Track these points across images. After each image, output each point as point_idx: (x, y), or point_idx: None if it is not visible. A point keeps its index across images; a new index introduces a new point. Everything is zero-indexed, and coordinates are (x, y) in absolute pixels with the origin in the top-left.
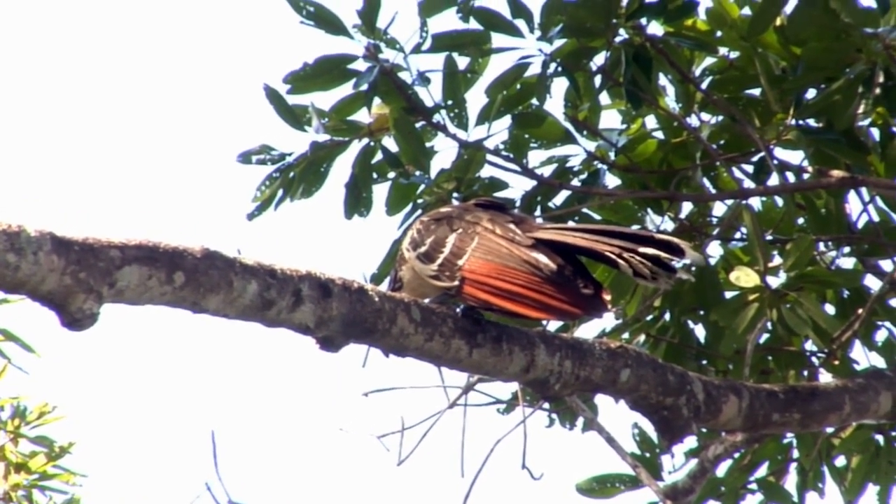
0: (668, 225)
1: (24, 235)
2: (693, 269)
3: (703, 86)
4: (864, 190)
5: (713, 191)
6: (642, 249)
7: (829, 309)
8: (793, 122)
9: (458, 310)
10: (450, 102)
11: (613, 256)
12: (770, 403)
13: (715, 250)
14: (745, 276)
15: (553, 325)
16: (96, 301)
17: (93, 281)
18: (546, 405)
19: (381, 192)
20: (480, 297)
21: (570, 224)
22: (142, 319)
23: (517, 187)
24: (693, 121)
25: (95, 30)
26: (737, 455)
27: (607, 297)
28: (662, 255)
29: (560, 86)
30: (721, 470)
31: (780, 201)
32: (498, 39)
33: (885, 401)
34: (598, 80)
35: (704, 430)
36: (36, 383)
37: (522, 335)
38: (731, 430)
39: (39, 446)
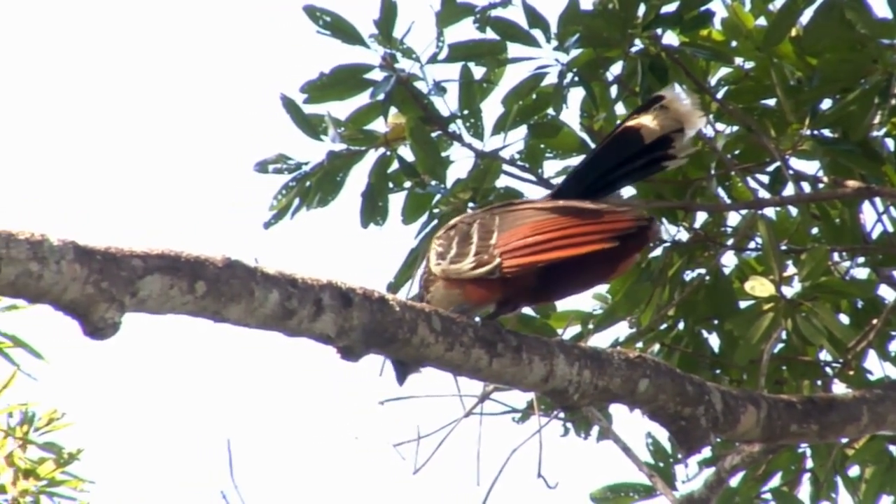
0: (683, 235)
1: (46, 244)
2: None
3: (719, 96)
4: (878, 200)
5: (728, 201)
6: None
7: (844, 319)
8: (808, 132)
9: (477, 320)
10: (466, 112)
11: (633, 123)
12: (788, 414)
13: (730, 260)
14: (759, 286)
15: (570, 333)
16: (118, 310)
17: (115, 290)
18: (561, 414)
19: (397, 201)
20: (527, 262)
21: None
22: (156, 326)
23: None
24: (708, 131)
25: (112, 37)
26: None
27: (644, 212)
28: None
29: (576, 96)
30: (734, 480)
31: (794, 211)
32: (514, 49)
33: None
34: (614, 89)
35: (721, 440)
36: (44, 389)
37: (542, 345)
38: (749, 440)
39: (48, 452)
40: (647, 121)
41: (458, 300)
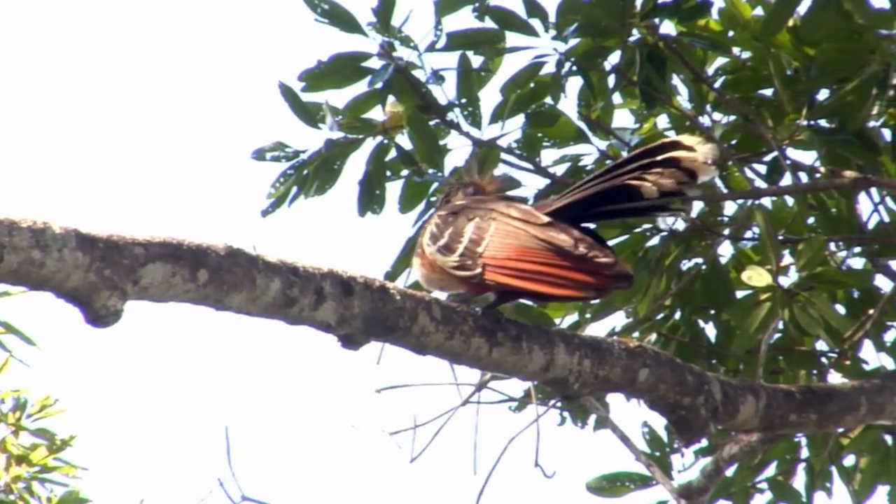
0: (680, 224)
1: (49, 232)
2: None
3: (716, 85)
4: (874, 190)
5: (725, 190)
6: (659, 158)
7: (840, 309)
8: (805, 122)
9: (477, 308)
10: (464, 101)
11: (634, 183)
12: (787, 404)
13: (726, 250)
14: (757, 276)
15: (567, 322)
16: (120, 298)
17: (117, 278)
18: (559, 403)
19: (394, 189)
20: (503, 282)
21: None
22: (152, 313)
23: (530, 186)
24: (705, 120)
25: (107, 28)
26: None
27: (628, 268)
28: (680, 154)
29: (574, 85)
30: (730, 469)
31: (791, 201)
32: (513, 38)
33: None
34: (611, 79)
35: (720, 429)
36: (37, 376)
37: (542, 334)
38: (748, 430)
39: (40, 439)
40: (647, 184)
41: (436, 284)
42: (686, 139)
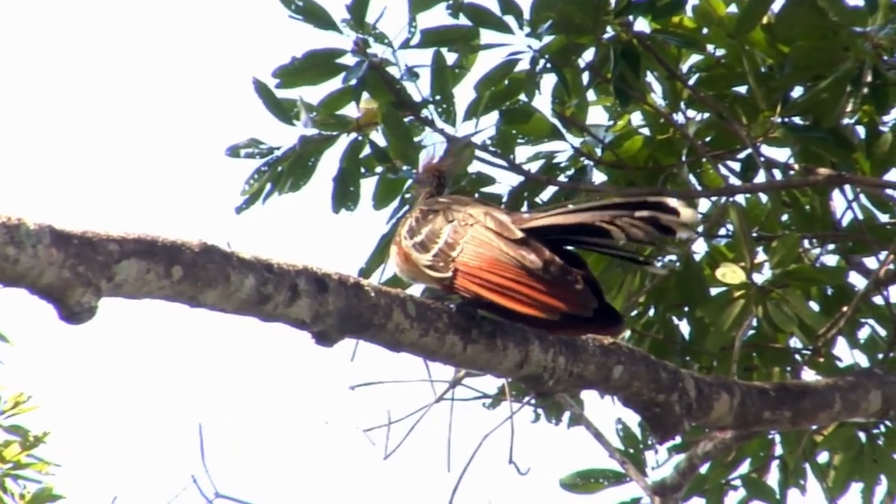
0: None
1: (23, 228)
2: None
3: (691, 83)
4: (848, 187)
5: (699, 188)
6: (637, 213)
7: (814, 306)
8: (779, 119)
9: (452, 305)
10: (438, 98)
11: (604, 225)
12: (761, 401)
13: (701, 247)
14: (731, 273)
15: None
16: (95, 294)
17: (91, 274)
18: (533, 400)
19: (368, 186)
20: (472, 290)
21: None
22: (127, 309)
23: (504, 183)
24: (680, 118)
25: (81, 23)
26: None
27: (594, 301)
28: (659, 215)
29: (548, 82)
30: (703, 466)
31: (765, 198)
32: (487, 35)
33: (875, 399)
34: (586, 76)
35: (694, 426)
36: (10, 373)
37: (517, 331)
38: (722, 427)
39: (14, 435)
40: (615, 229)
41: (409, 275)
42: (671, 202)
